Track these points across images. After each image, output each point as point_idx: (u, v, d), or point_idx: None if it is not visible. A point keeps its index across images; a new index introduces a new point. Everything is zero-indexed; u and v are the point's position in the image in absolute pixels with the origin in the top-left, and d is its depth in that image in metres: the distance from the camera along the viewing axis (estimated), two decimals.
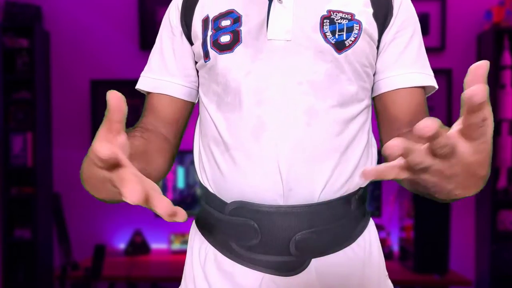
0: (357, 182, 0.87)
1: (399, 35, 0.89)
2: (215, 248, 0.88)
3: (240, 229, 0.84)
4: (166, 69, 0.95)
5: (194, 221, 0.97)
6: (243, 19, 0.86)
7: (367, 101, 0.89)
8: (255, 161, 0.82)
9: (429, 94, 0.93)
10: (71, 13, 3.16)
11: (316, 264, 0.84)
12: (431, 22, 2.99)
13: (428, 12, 2.98)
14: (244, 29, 0.85)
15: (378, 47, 0.89)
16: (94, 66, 3.12)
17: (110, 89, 0.54)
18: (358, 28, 0.84)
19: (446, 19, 2.99)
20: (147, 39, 3.08)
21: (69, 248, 2.83)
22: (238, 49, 0.85)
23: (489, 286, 2.84)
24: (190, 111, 0.99)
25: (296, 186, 0.82)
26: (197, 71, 0.94)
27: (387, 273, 0.94)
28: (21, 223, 3.01)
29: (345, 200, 0.85)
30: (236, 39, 0.85)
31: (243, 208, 0.83)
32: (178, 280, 0.97)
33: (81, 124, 3.16)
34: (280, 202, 0.82)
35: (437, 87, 0.92)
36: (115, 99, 0.52)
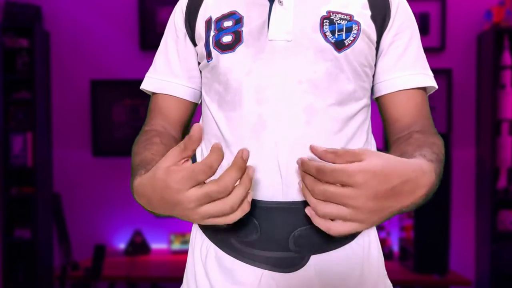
0: None
1: (398, 37, 0.91)
2: (216, 245, 0.89)
3: (240, 225, 0.84)
4: (171, 70, 0.98)
5: None
6: (245, 20, 0.88)
7: (365, 101, 0.91)
8: (255, 158, 0.83)
9: (429, 94, 0.96)
10: (71, 13, 3.16)
11: (315, 261, 0.85)
12: (431, 22, 2.99)
13: (428, 12, 2.99)
14: (245, 29, 0.87)
15: (377, 49, 0.91)
16: (94, 66, 3.13)
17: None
18: (357, 28, 0.87)
19: (446, 19, 2.99)
20: (147, 39, 3.09)
21: (69, 248, 2.83)
22: (240, 49, 0.87)
23: (489, 286, 2.84)
24: (193, 112, 1.02)
25: (295, 182, 0.83)
26: (201, 72, 0.96)
27: (386, 273, 0.94)
28: (21, 223, 3.01)
29: None
30: (237, 39, 0.87)
31: None
32: (178, 280, 0.98)
33: (81, 124, 3.16)
34: (280, 198, 0.83)
35: (437, 87, 0.95)
36: (199, 132, 0.67)
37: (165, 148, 0.89)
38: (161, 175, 0.71)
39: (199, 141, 0.68)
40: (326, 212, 0.69)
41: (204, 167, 0.67)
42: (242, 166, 0.67)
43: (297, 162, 0.72)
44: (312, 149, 0.70)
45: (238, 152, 0.67)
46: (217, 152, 0.66)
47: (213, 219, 0.71)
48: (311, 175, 0.69)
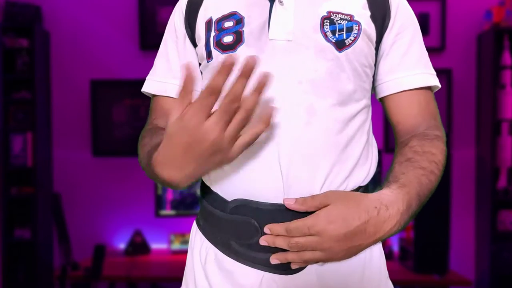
0: (357, 180, 0.88)
1: (400, 37, 0.91)
2: (216, 247, 0.89)
3: (241, 227, 0.84)
4: (171, 72, 0.97)
5: (194, 220, 0.98)
6: (246, 20, 0.88)
7: (365, 101, 0.91)
8: (256, 159, 0.83)
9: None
10: (71, 13, 3.16)
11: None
12: (431, 22, 2.99)
13: (428, 12, 2.99)
14: (246, 29, 0.87)
15: (377, 49, 0.91)
16: (94, 66, 3.12)
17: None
18: (357, 28, 0.87)
19: (446, 19, 2.99)
20: (147, 39, 3.08)
21: (69, 248, 2.83)
22: (241, 49, 0.87)
23: (489, 286, 2.84)
24: None
25: (296, 183, 0.83)
26: (201, 73, 0.95)
27: (388, 275, 0.94)
28: (21, 223, 3.01)
29: None
30: (238, 39, 0.87)
31: (244, 206, 0.84)
32: (178, 280, 0.98)
33: (81, 124, 3.16)
34: (280, 200, 0.83)
35: (440, 86, 0.95)
36: (190, 69, 0.69)
37: None
38: (175, 127, 0.73)
39: (194, 78, 0.71)
40: (305, 259, 0.77)
41: (208, 90, 0.69)
42: (248, 73, 0.69)
43: (265, 230, 0.80)
44: (285, 202, 0.79)
45: (244, 61, 0.69)
46: (223, 71, 0.68)
47: (244, 139, 0.73)
48: (282, 235, 0.78)
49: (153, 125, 0.97)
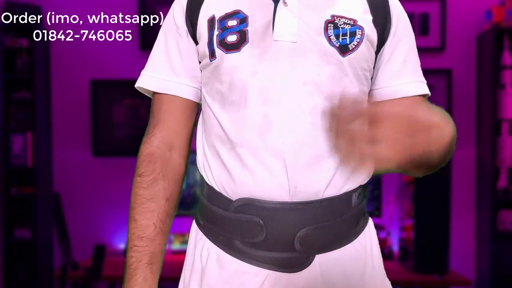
0: (357, 180, 0.89)
1: (401, 44, 0.92)
2: (218, 246, 0.89)
3: (245, 226, 0.85)
4: (173, 70, 0.95)
5: (194, 220, 0.98)
6: (250, 20, 0.88)
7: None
8: (261, 159, 0.84)
9: None
10: (71, 13, 3.16)
11: (320, 260, 0.85)
12: (431, 22, 2.99)
13: (428, 12, 2.98)
14: (250, 29, 0.87)
15: (376, 53, 0.92)
16: (94, 66, 3.12)
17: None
18: (360, 33, 0.88)
19: (446, 19, 2.99)
20: (147, 39, 3.09)
21: (69, 248, 2.83)
22: (245, 49, 0.87)
23: (489, 286, 2.84)
24: (197, 113, 0.99)
25: (301, 183, 0.83)
26: (201, 71, 0.95)
27: (385, 272, 0.95)
28: (21, 223, 3.01)
29: (347, 197, 0.88)
30: (243, 39, 0.87)
31: (249, 205, 0.84)
32: (178, 280, 0.98)
33: (81, 124, 3.16)
34: (286, 199, 0.83)
35: (430, 94, 0.96)
36: None
37: (166, 203, 0.91)
38: None
39: None
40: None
41: None
42: None
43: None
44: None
45: None
46: None
47: None
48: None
49: (152, 141, 0.93)
